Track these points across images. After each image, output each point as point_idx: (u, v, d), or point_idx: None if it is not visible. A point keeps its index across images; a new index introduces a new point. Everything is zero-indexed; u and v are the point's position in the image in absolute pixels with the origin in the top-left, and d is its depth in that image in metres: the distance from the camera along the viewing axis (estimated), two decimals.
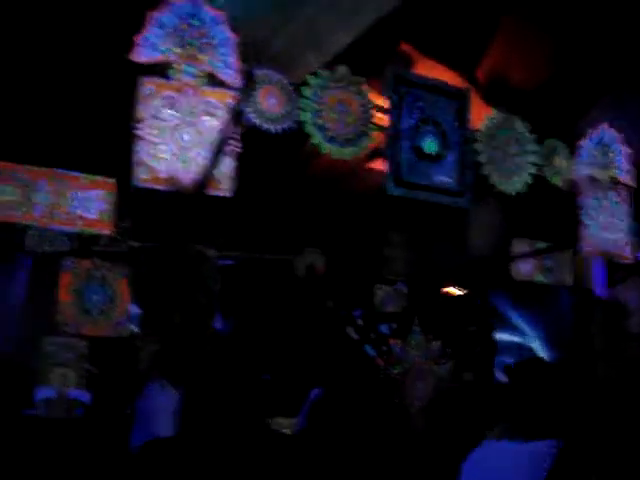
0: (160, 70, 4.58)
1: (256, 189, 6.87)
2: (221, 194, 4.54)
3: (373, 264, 8.22)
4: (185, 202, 4.47)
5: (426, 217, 7.01)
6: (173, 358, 4.22)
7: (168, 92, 4.50)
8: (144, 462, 2.49)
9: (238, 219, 7.92)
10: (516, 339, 9.08)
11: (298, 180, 7.11)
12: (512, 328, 8.39)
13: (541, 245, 7.71)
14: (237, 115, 4.37)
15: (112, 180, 5.47)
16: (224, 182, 4.55)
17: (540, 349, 9.07)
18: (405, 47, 5.68)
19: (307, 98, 4.94)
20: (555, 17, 5.71)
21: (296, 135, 5.01)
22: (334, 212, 7.58)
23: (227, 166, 4.54)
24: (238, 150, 4.57)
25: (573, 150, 6.14)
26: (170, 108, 4.49)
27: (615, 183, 6.31)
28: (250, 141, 5.10)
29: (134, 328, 6.68)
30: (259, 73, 4.81)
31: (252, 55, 5.10)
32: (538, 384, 2.66)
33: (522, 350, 9.17)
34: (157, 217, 5.99)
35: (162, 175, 4.41)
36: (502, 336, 8.18)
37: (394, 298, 8.16)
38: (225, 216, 7.27)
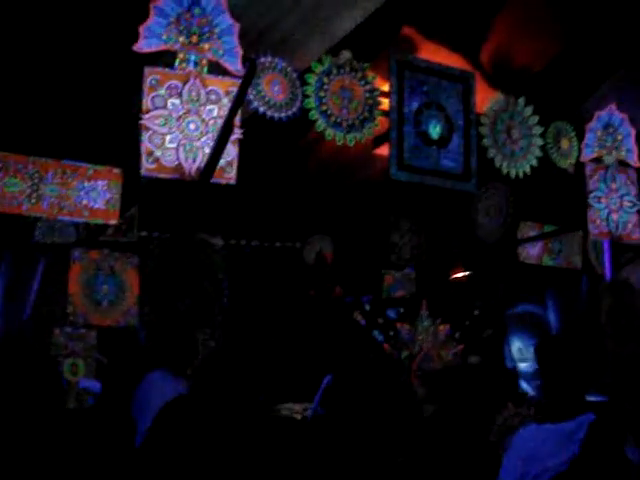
0: (164, 60, 4.61)
1: (262, 177, 6.88)
2: (226, 182, 4.55)
3: (381, 250, 8.23)
4: (191, 191, 4.49)
5: (433, 202, 7.01)
6: (177, 346, 4.24)
7: (173, 82, 4.51)
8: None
9: (245, 207, 7.94)
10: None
11: (304, 167, 7.11)
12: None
13: (549, 228, 7.70)
14: (240, 103, 4.37)
15: (118, 170, 5.48)
16: (229, 170, 4.56)
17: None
18: (408, 31, 5.66)
19: (311, 85, 4.95)
20: None
21: (301, 122, 5.02)
22: (341, 199, 7.58)
23: (231, 154, 4.55)
24: (242, 138, 4.58)
25: (580, 132, 6.11)
26: (175, 98, 4.51)
27: (622, 165, 6.29)
28: (255, 128, 5.12)
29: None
30: (263, 60, 4.81)
31: (255, 42, 5.12)
32: (563, 363, 2.66)
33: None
34: (164, 206, 6.02)
35: (168, 164, 4.43)
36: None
37: (403, 283, 8.17)
38: (232, 204, 7.30)
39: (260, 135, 5.56)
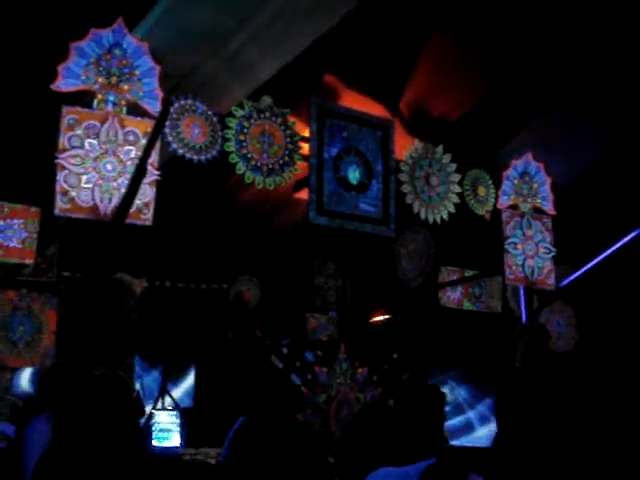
0: (84, 99, 4.60)
1: (187, 218, 6.88)
2: (142, 223, 4.53)
3: (306, 293, 8.26)
4: (107, 231, 4.46)
5: (356, 246, 7.09)
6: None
7: (91, 121, 4.50)
8: None
9: (170, 249, 7.90)
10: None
11: (229, 209, 7.13)
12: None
13: (469, 273, 7.86)
14: (153, 143, 4.38)
15: (35, 209, 5.42)
16: (145, 211, 4.54)
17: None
18: (329, 78, 5.78)
19: (231, 128, 4.99)
20: (477, 45, 5.85)
21: (223, 165, 5.05)
22: (267, 242, 7.61)
23: (148, 195, 4.54)
24: (159, 179, 4.58)
25: (496, 180, 6.29)
26: (93, 138, 4.49)
27: (538, 212, 6.47)
28: (177, 171, 5.14)
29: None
30: (183, 103, 4.84)
31: (177, 86, 5.15)
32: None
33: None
34: (84, 246, 5.95)
35: (83, 204, 4.39)
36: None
37: (327, 326, 8.21)
38: (156, 246, 7.25)
39: (183, 178, 5.58)
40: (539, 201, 6.51)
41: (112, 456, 2.27)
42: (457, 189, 5.98)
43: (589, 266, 6.42)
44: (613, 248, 6.29)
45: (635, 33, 5.81)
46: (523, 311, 6.51)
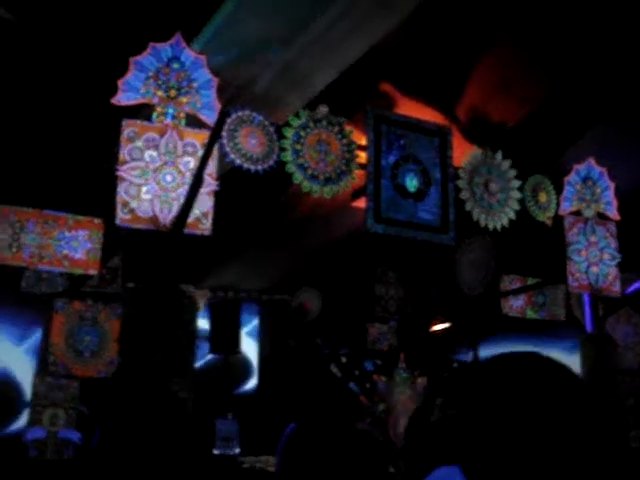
0: (143, 112, 4.70)
1: (245, 228, 6.95)
2: (201, 233, 4.60)
3: (366, 303, 8.25)
4: (166, 241, 4.53)
5: (415, 254, 7.05)
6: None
7: (150, 134, 4.60)
8: None
9: (232, 260, 7.99)
10: None
11: (286, 219, 7.18)
12: None
13: (532, 281, 7.72)
14: (209, 153, 4.44)
15: (99, 220, 5.54)
16: (204, 221, 4.61)
17: None
18: (385, 86, 5.77)
19: (288, 138, 5.03)
20: (536, 50, 5.78)
21: (280, 175, 5.09)
22: (326, 252, 7.63)
23: (207, 205, 4.61)
24: (218, 189, 4.64)
25: (558, 185, 6.17)
26: (152, 150, 4.59)
27: (602, 218, 6.33)
28: (236, 182, 5.19)
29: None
30: (240, 114, 4.90)
31: (234, 97, 5.22)
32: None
33: None
34: (147, 257, 6.06)
35: (143, 215, 4.48)
36: None
37: (387, 336, 8.17)
38: (217, 255, 7.35)
39: (242, 188, 5.64)
40: (603, 206, 6.36)
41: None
42: (518, 195, 5.88)
43: None
44: None
45: None
46: (588, 319, 6.36)
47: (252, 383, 9.07)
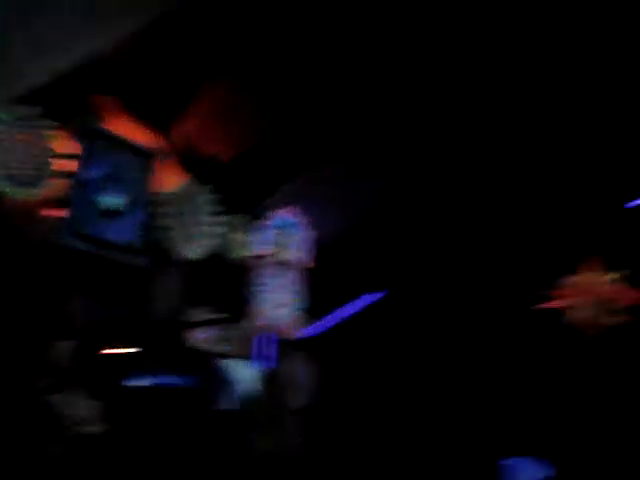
0: None
1: None
2: None
3: (51, 319, 7.81)
4: None
5: (108, 274, 6.86)
6: None
7: None
8: None
9: None
10: None
11: None
12: None
13: (218, 315, 7.86)
14: None
15: None
16: None
17: None
18: (105, 98, 5.59)
19: None
20: (256, 91, 5.95)
21: None
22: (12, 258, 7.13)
23: None
24: None
25: (255, 227, 6.42)
26: None
27: (293, 264, 6.66)
28: None
29: None
30: None
31: None
32: None
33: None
34: None
35: None
36: None
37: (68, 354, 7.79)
38: None
39: None
40: (291, 253, 6.69)
41: None
42: (219, 230, 6.03)
43: (330, 322, 6.73)
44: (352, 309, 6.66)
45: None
46: (268, 357, 6.64)
47: None
